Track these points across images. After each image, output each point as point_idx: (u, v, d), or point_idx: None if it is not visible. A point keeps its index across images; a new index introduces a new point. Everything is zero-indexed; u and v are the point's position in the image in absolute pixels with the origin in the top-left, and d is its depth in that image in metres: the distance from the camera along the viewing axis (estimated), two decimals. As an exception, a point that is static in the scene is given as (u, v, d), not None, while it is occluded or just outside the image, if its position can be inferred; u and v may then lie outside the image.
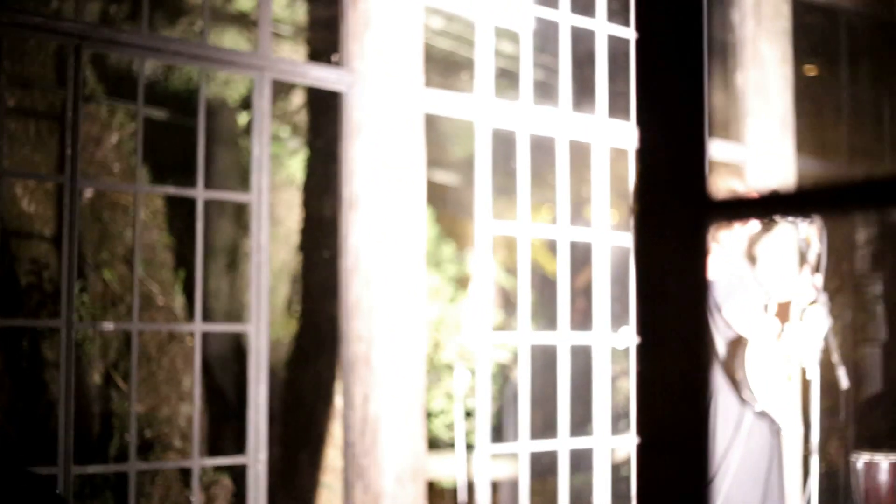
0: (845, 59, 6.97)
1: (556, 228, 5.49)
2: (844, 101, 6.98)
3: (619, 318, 5.79)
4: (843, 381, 4.91)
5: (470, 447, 5.57)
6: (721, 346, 4.93)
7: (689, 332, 1.39)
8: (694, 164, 1.40)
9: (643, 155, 1.43)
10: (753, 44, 6.00)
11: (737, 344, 4.84)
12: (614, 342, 5.73)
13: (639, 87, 1.41)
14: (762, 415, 4.83)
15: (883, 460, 5.77)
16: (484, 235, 5.19)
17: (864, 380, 8.05)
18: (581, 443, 5.57)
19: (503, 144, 5.52)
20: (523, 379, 5.32)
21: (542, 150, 5.67)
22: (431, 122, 7.83)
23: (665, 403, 1.41)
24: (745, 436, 4.86)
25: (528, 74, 5.36)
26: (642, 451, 1.38)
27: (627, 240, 5.68)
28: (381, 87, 4.81)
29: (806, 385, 5.16)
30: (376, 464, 4.81)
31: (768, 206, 1.54)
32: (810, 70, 6.89)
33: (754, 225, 5.06)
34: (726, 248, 4.91)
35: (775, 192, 1.46)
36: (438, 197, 8.42)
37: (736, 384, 4.81)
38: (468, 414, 6.55)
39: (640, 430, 1.40)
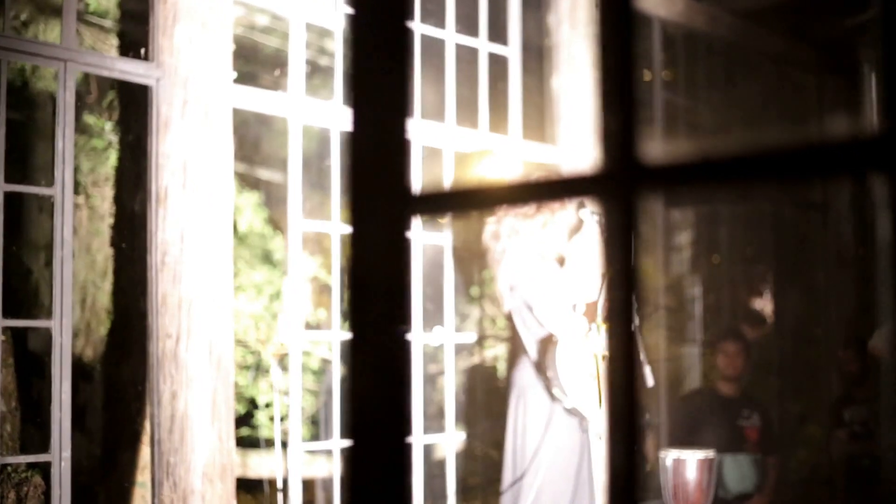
0: (659, 65, 7.15)
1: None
2: (657, 106, 7.16)
3: (432, 317, 5.85)
4: (649, 380, 5.03)
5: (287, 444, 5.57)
6: (532, 345, 5.01)
7: (391, 331, 1.37)
8: (396, 154, 1.38)
9: (353, 142, 1.41)
10: (568, 48, 6.11)
11: (547, 342, 4.91)
12: (427, 340, 5.79)
13: (350, 72, 1.39)
14: (572, 412, 4.91)
15: (691, 457, 5.92)
16: (295, 232, 5.20)
17: (682, 378, 8.26)
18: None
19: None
20: (337, 376, 5.35)
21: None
22: (267, 121, 7.81)
23: (371, 402, 1.39)
24: (556, 432, 4.94)
25: (340, 72, 5.39)
26: (350, 452, 1.37)
27: (439, 238, 5.75)
28: (188, 82, 4.78)
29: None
30: (185, 462, 4.77)
31: (468, 200, 1.51)
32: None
33: (568, 222, 5.12)
34: (538, 247, 4.97)
35: (474, 188, 1.48)
36: (271, 193, 8.40)
37: (546, 381, 4.88)
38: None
39: (349, 431, 1.38)
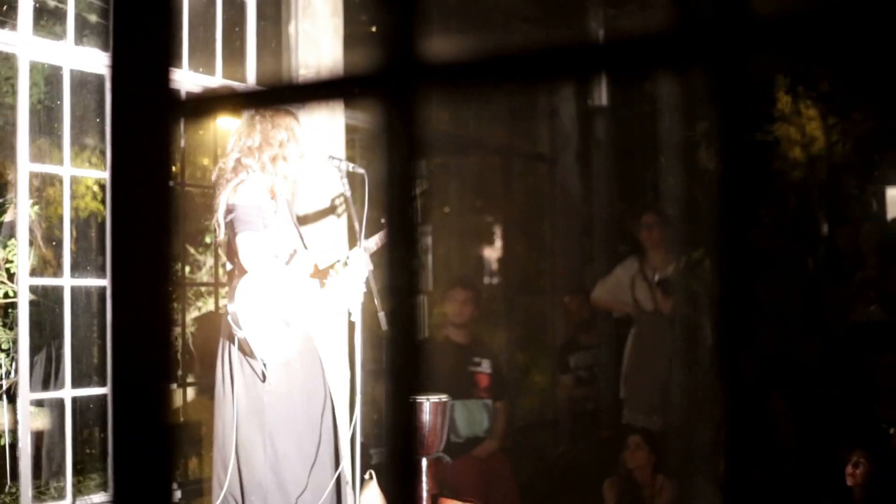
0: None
1: (104, 171, 5.40)
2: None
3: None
4: (384, 324, 5.09)
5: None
6: (228, 269, 4.80)
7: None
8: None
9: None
10: (307, -5, 6.06)
11: (237, 274, 4.69)
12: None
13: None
14: (241, 344, 4.59)
15: (425, 401, 6.06)
16: (23, 175, 5.00)
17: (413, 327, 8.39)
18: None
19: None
20: (66, 325, 5.20)
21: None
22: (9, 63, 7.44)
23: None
24: (239, 365, 4.68)
25: (72, 8, 5.21)
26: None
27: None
28: None
29: (351, 328, 5.32)
30: None
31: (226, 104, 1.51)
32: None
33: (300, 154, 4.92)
34: (267, 181, 4.76)
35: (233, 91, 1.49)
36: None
37: (227, 311, 4.61)
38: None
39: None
